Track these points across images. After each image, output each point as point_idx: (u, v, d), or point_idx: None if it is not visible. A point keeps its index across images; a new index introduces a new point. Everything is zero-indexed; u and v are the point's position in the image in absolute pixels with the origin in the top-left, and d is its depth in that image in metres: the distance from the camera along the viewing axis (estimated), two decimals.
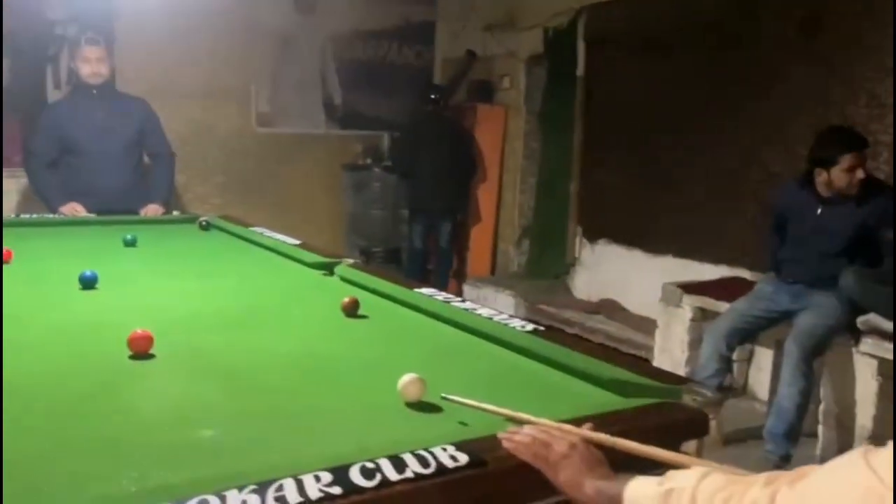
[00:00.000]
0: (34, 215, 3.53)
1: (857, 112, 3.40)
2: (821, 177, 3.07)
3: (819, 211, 3.13)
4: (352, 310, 2.00)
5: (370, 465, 1.02)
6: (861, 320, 2.96)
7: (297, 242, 3.00)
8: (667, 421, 1.26)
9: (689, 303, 3.65)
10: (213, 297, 2.24)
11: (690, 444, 1.27)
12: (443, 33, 6.01)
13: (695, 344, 3.54)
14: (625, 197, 4.59)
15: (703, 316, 3.63)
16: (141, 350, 1.57)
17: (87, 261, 2.60)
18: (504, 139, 5.59)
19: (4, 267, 2.44)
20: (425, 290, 2.18)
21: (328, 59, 5.67)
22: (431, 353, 1.73)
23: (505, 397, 1.30)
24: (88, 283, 2.18)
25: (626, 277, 4.58)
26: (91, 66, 3.64)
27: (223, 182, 5.40)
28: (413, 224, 5.42)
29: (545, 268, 5.22)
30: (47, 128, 3.79)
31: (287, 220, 5.50)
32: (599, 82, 4.78)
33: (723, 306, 3.43)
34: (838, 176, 3.01)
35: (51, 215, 3.57)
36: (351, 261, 2.63)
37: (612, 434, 1.12)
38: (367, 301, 2.09)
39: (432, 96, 5.40)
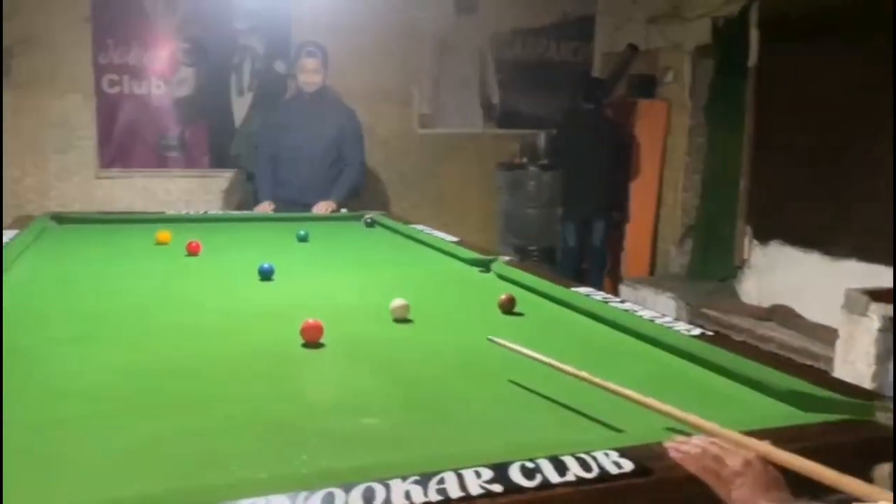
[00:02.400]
0: (219, 212, 3.81)
1: None
2: None
3: None
4: (509, 307, 1.99)
5: (530, 464, 1.00)
6: None
7: (455, 240, 3.05)
8: (858, 440, 1.14)
9: (877, 311, 3.31)
10: (377, 290, 2.31)
11: (883, 468, 1.15)
12: (603, 27, 5.87)
13: (883, 357, 3.21)
14: (802, 195, 4.25)
15: (893, 326, 3.29)
16: (312, 339, 1.65)
17: (264, 254, 2.79)
18: (666, 135, 5.38)
19: (195, 258, 2.68)
20: (582, 289, 2.14)
21: (487, 58, 5.72)
22: (590, 354, 1.69)
23: (669, 403, 1.23)
24: (266, 274, 2.33)
25: (802, 282, 4.24)
26: (307, 76, 4.13)
27: (385, 181, 5.59)
28: (566, 222, 5.35)
29: (710, 270, 4.96)
30: (270, 125, 4.37)
31: (444, 218, 5.63)
32: (774, 73, 4.46)
33: None
34: None
35: (234, 212, 3.84)
36: (507, 258, 2.63)
37: (793, 452, 1.03)
38: (523, 298, 2.08)
39: (592, 92, 5.29)
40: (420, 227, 3.47)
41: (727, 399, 1.41)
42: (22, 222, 3.15)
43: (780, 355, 3.26)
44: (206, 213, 3.80)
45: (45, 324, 1.80)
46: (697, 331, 1.68)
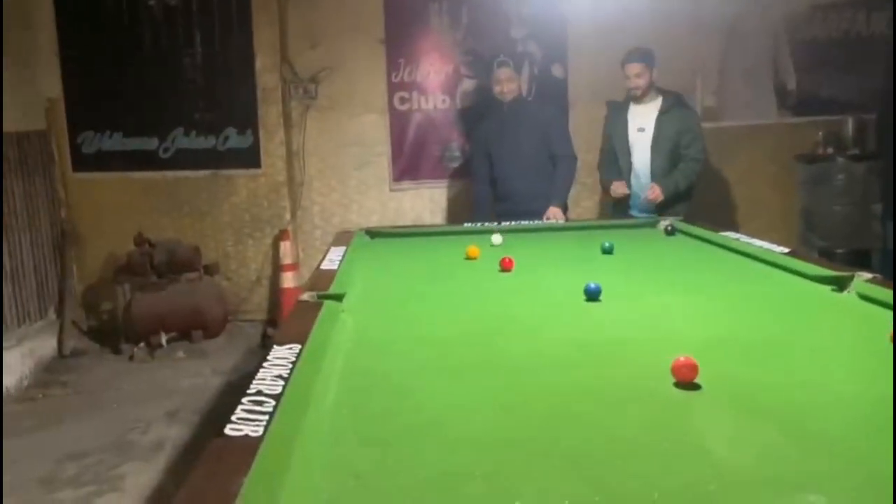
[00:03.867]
0: (513, 222, 3.79)
1: None
2: None
3: None
4: None
5: None
6: None
7: (786, 251, 2.72)
8: None
9: None
10: (719, 316, 2.10)
11: None
12: None
13: None
14: None
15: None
16: (686, 379, 1.49)
17: (577, 269, 2.70)
18: None
19: (509, 275, 2.65)
20: None
21: (781, 40, 5.17)
22: None
23: None
24: (593, 295, 2.23)
25: None
26: (501, 86, 4.18)
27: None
28: (890, 221, 4.64)
29: None
30: (478, 145, 4.44)
31: (731, 218, 5.20)
32: None
33: None
34: None
35: (526, 222, 3.81)
36: (869, 275, 2.26)
37: None
38: (876, 329, 1.75)
39: None
40: (732, 234, 3.17)
41: None
42: (342, 239, 3.38)
43: None
44: (498, 223, 3.81)
45: (395, 351, 1.83)
46: None
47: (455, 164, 5.21)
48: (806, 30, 5.15)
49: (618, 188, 4.07)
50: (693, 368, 1.50)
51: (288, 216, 5.15)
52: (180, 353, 4.64)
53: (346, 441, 1.29)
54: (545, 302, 2.31)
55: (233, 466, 1.09)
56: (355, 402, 1.48)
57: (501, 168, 4.25)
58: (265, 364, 1.56)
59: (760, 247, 2.83)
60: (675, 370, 1.51)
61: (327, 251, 2.99)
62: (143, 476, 3.07)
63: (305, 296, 2.20)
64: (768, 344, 1.81)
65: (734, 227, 3.68)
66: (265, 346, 4.79)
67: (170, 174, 5.04)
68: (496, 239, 3.24)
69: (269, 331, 4.96)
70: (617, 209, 4.23)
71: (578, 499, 1.07)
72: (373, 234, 3.57)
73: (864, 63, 5.11)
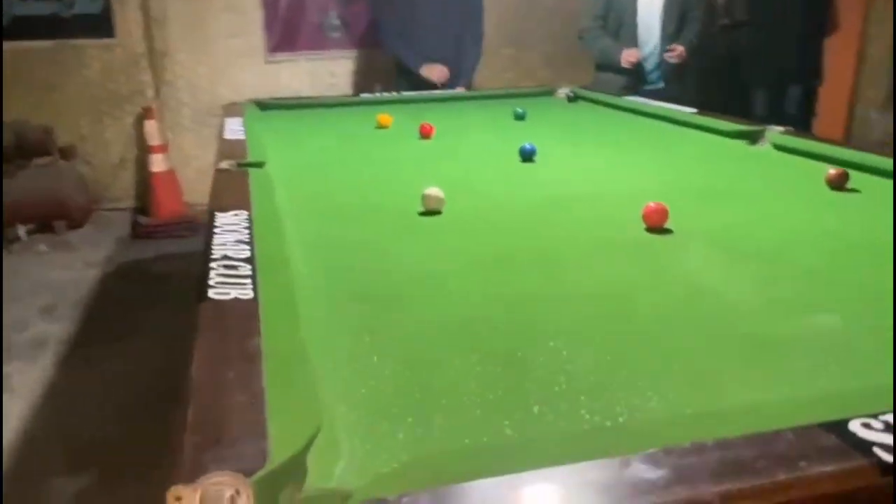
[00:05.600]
0: (412, 93, 3.64)
1: None
2: None
3: None
4: (840, 181, 1.77)
5: None
6: None
7: (694, 110, 2.79)
8: None
9: None
10: (655, 170, 2.13)
11: None
12: None
13: None
14: None
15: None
16: (658, 224, 1.50)
17: (495, 134, 2.65)
18: None
19: (431, 142, 2.55)
20: None
21: None
22: None
23: None
24: (528, 155, 2.18)
25: None
26: None
27: (547, 53, 5.26)
28: (753, 89, 4.88)
29: None
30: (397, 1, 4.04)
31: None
32: None
33: None
34: None
35: (427, 92, 3.67)
36: (780, 128, 2.36)
37: None
38: (803, 173, 1.85)
39: None
40: (636, 98, 3.22)
41: None
42: (232, 110, 3.11)
43: None
44: (399, 93, 3.65)
45: (354, 217, 1.72)
46: None
47: (336, 35, 4.90)
48: None
49: (630, 56, 3.65)
50: (665, 213, 1.50)
51: (151, 92, 4.67)
52: (42, 247, 4.21)
53: (344, 300, 1.19)
54: (484, 164, 2.24)
55: (239, 328, 0.98)
56: (336, 264, 1.37)
57: (427, 32, 3.94)
58: (216, 230, 1.41)
59: (668, 108, 2.89)
60: (648, 215, 1.50)
61: (224, 123, 2.75)
62: (30, 375, 2.81)
63: (224, 164, 2.02)
64: (712, 191, 1.86)
65: None
66: (137, 235, 4.48)
67: (6, 46, 4.37)
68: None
69: (141, 219, 4.59)
70: (619, 82, 3.71)
71: (609, 336, 1.05)
72: (264, 105, 3.31)
73: None
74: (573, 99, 3.45)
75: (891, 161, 1.88)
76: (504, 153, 2.28)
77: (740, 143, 2.36)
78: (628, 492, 0.64)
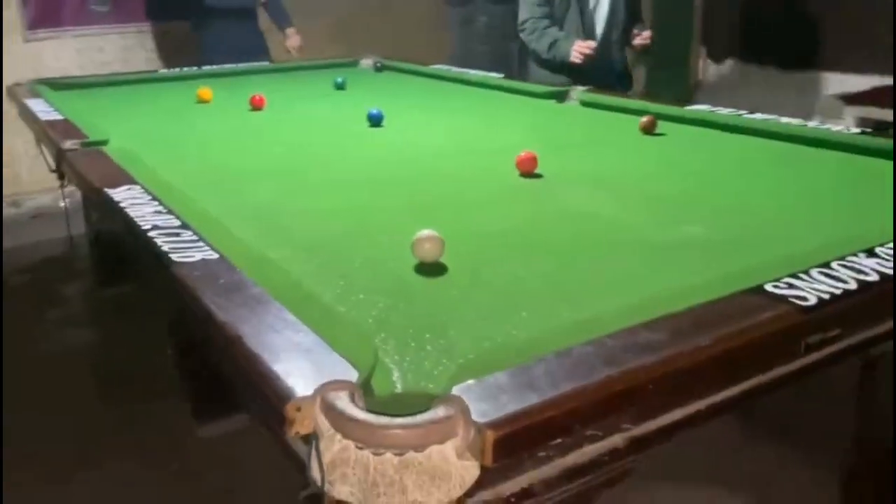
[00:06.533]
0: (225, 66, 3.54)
1: None
2: None
3: None
4: (652, 127, 2.12)
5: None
6: None
7: (501, 75, 3.07)
8: None
9: (853, 114, 3.72)
10: (492, 129, 2.33)
11: None
12: None
13: None
14: (754, 8, 4.51)
15: (863, 126, 3.71)
16: (530, 170, 1.71)
17: (329, 104, 2.72)
18: None
19: (268, 112, 2.55)
20: (697, 106, 2.29)
21: None
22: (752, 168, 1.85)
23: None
24: (377, 120, 2.29)
25: (760, 98, 4.61)
26: None
27: (328, 24, 5.31)
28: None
29: (664, 91, 5.23)
30: None
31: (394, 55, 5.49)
32: None
33: (890, 115, 3.51)
34: None
35: (238, 65, 3.57)
36: (584, 87, 2.70)
37: None
38: (617, 124, 2.18)
39: None
40: (442, 66, 3.44)
41: None
42: (24, 93, 2.83)
43: None
44: (201, 68, 3.52)
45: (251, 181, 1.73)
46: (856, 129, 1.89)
47: (103, 9, 4.54)
48: None
49: (584, 47, 2.98)
50: (535, 159, 1.72)
51: None
52: None
53: (302, 250, 1.25)
54: (338, 130, 2.31)
55: (232, 281, 1.02)
56: (271, 224, 1.42)
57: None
58: (123, 205, 1.38)
59: (476, 74, 3.14)
60: (522, 162, 1.71)
61: (25, 105, 2.55)
62: None
63: (69, 144, 1.91)
64: (555, 143, 2.12)
65: None
66: None
67: None
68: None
69: None
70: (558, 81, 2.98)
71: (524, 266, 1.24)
72: (57, 85, 3.04)
73: None
74: (380, 68, 3.59)
75: (674, 107, 2.30)
76: (350, 119, 2.37)
77: (550, 102, 2.67)
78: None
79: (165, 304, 1.17)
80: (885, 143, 1.78)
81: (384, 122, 2.30)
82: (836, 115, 3.78)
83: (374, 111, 2.30)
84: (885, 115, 3.54)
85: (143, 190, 1.47)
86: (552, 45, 3.08)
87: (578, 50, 2.98)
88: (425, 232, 1.18)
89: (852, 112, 3.72)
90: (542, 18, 3.15)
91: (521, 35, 3.28)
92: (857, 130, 1.89)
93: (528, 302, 1.04)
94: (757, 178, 1.71)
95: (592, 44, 3.01)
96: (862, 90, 3.94)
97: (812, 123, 2.01)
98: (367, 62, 3.70)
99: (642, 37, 3.18)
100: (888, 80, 3.90)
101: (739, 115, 2.15)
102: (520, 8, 3.26)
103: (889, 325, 1.02)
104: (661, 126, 2.18)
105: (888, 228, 1.19)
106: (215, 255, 1.11)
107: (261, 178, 1.76)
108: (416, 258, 1.17)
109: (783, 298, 0.93)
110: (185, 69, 3.51)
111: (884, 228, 1.20)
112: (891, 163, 1.65)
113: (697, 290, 0.99)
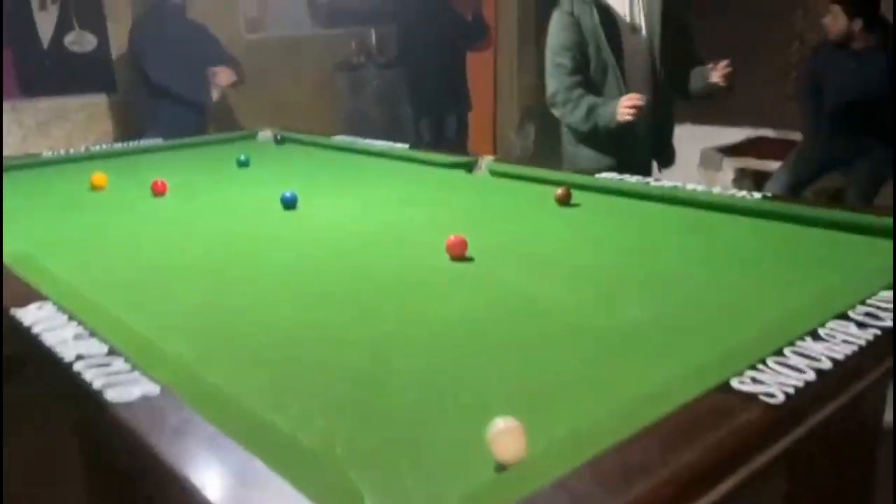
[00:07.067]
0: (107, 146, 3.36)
1: None
2: None
3: None
4: (567, 199, 2.17)
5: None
6: None
7: (406, 146, 3.08)
8: None
9: (731, 165, 3.98)
10: (406, 205, 2.30)
11: None
12: None
13: None
14: None
15: (743, 177, 3.99)
16: (460, 254, 1.70)
17: (229, 186, 2.64)
18: (497, 14, 5.55)
19: (170, 199, 2.43)
20: (607, 175, 2.37)
21: None
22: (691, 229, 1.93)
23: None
24: (291, 203, 2.23)
25: None
26: None
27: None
28: (420, 119, 5.42)
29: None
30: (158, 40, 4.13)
31: (287, 125, 5.42)
32: None
33: (768, 165, 3.78)
34: None
35: (121, 145, 3.41)
36: (492, 157, 2.74)
37: None
38: (548, 193, 2.23)
39: None
40: (345, 137, 3.41)
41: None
42: None
43: None
44: (88, 149, 3.33)
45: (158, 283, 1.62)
46: (758, 194, 2.01)
47: None
48: None
49: (632, 99, 2.64)
50: (465, 243, 1.71)
51: None
52: None
53: (247, 364, 1.18)
54: (251, 218, 2.22)
55: (182, 421, 0.94)
56: (206, 333, 1.34)
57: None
58: (35, 329, 1.26)
59: (382, 146, 3.13)
60: (453, 247, 1.70)
61: None
62: None
63: None
64: (471, 216, 2.13)
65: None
66: None
67: None
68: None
69: None
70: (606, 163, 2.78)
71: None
72: None
73: None
74: (281, 141, 3.52)
75: (583, 176, 2.37)
76: (262, 202, 2.30)
77: (460, 172, 2.70)
78: None
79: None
80: (785, 207, 1.91)
81: (298, 204, 2.25)
82: (715, 167, 4.04)
83: (288, 194, 2.24)
84: (765, 165, 3.81)
85: (55, 308, 1.35)
86: (590, 112, 2.74)
87: (627, 105, 2.63)
88: (500, 423, 0.87)
89: (731, 163, 3.98)
90: (574, 87, 2.79)
91: (553, 110, 2.92)
92: (759, 195, 2.00)
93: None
94: (676, 248, 1.77)
95: (639, 95, 2.65)
96: (735, 142, 4.23)
97: (716, 189, 2.11)
98: (265, 134, 3.63)
99: (720, 68, 2.77)
100: (762, 132, 4.23)
101: (646, 182, 2.24)
102: (547, 80, 2.90)
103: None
104: (574, 195, 2.24)
105: (817, 298, 1.27)
106: (156, 389, 1.02)
107: (182, 278, 1.66)
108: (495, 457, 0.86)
109: (753, 397, 0.95)
110: (73, 151, 3.31)
111: (816, 297, 1.28)
112: (798, 227, 1.78)
113: (669, 390, 1.00)
